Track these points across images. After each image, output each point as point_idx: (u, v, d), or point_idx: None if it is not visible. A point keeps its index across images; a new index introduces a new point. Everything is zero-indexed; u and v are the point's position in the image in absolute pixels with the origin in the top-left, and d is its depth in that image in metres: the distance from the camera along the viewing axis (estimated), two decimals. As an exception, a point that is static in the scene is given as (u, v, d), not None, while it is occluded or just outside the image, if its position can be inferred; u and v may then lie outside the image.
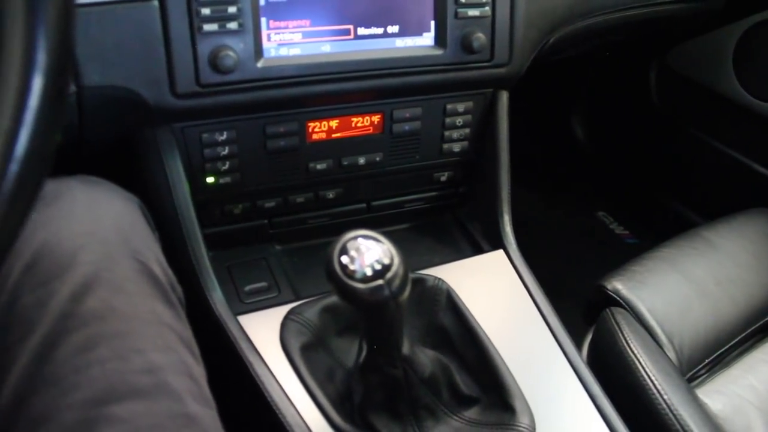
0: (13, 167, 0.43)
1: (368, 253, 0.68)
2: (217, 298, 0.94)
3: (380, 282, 0.67)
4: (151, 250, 0.74)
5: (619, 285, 1.13)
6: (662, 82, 1.77)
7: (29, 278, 0.63)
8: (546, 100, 2.05)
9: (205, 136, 0.96)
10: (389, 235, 1.13)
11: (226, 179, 1.00)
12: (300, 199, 1.08)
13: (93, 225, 0.70)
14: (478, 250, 1.15)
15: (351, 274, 0.67)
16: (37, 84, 0.44)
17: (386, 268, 0.68)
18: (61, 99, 0.46)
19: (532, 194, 1.92)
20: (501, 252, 1.10)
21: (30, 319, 0.61)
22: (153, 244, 0.76)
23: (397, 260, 0.68)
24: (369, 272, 0.67)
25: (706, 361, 1.12)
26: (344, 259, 0.68)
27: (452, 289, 1.00)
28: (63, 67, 0.46)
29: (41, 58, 0.44)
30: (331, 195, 1.09)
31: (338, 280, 0.67)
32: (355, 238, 0.70)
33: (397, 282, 0.68)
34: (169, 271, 0.76)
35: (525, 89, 1.18)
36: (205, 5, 0.86)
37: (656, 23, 1.43)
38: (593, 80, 2.00)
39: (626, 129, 1.97)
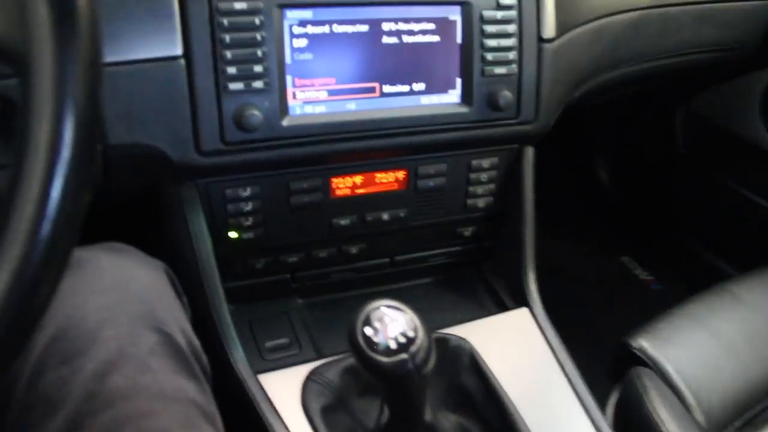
0: (45, 229, 0.42)
1: (392, 324, 0.67)
2: (239, 357, 0.93)
3: (404, 356, 0.66)
4: (176, 320, 0.73)
5: (645, 343, 1.11)
6: (688, 127, 1.75)
7: (53, 354, 0.62)
8: (569, 143, 2.04)
9: (228, 191, 0.96)
10: (412, 290, 1.16)
11: (249, 234, 0.99)
12: (323, 254, 1.07)
13: (118, 296, 0.70)
14: (501, 307, 1.13)
15: (374, 347, 0.66)
16: (68, 142, 0.43)
17: (411, 341, 0.67)
18: (92, 158, 0.46)
19: (555, 238, 1.90)
20: (525, 310, 1.09)
21: (53, 399, 0.60)
22: (178, 313, 0.76)
23: (421, 333, 0.68)
24: (393, 345, 0.66)
25: (736, 423, 1.09)
26: (368, 330, 0.67)
27: (475, 349, 0.99)
28: (93, 126, 0.45)
29: (71, 117, 0.43)
30: (354, 250, 1.08)
31: (361, 353, 0.67)
32: (379, 308, 0.69)
33: (421, 355, 0.67)
34: (194, 340, 0.75)
35: (547, 133, 1.17)
36: (231, 64, 0.86)
37: (683, 72, 1.42)
38: (617, 124, 1.99)
39: (651, 173, 1.95)
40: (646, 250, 1.94)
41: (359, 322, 0.68)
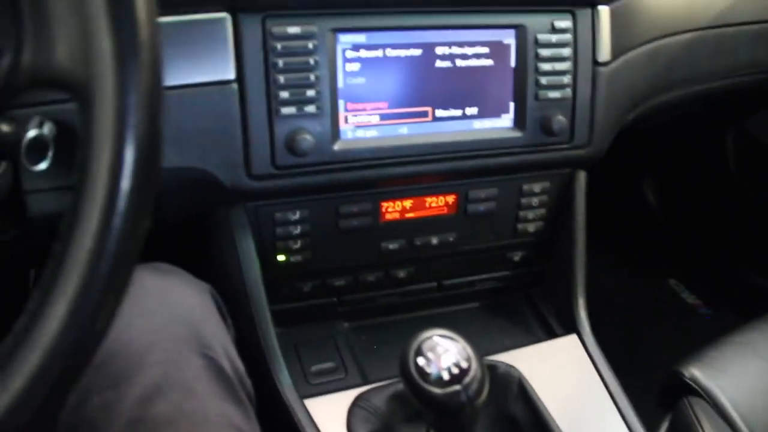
0: (105, 261, 0.42)
1: (445, 355, 0.66)
2: (285, 382, 0.93)
3: (457, 387, 0.65)
4: (221, 343, 0.73)
5: (697, 372, 1.07)
6: (740, 148, 1.71)
7: (98, 378, 0.62)
8: (616, 164, 2.00)
9: (278, 215, 0.95)
10: (459, 315, 1.14)
11: (297, 258, 0.99)
12: (370, 278, 1.06)
13: (164, 320, 0.70)
14: (550, 333, 1.11)
15: (427, 378, 0.65)
16: (128, 175, 0.43)
17: (464, 372, 0.66)
18: (151, 189, 0.45)
19: (601, 260, 1.87)
20: (574, 336, 1.06)
21: (98, 423, 0.60)
22: (223, 336, 0.75)
23: (475, 363, 0.66)
24: (446, 376, 0.65)
25: (792, 457, 1.05)
26: (420, 360, 0.66)
27: (524, 377, 0.97)
28: (153, 157, 0.45)
29: (131, 150, 0.43)
30: (402, 274, 1.07)
31: (414, 383, 0.66)
32: (431, 337, 0.68)
33: (474, 386, 0.65)
34: (239, 364, 0.75)
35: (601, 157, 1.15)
36: (283, 88, 0.86)
37: (738, 93, 1.39)
38: (666, 144, 1.95)
39: (700, 195, 1.91)
40: (694, 273, 1.90)
41: (411, 351, 0.66)
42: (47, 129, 0.72)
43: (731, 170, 1.73)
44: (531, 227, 1.09)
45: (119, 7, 0.43)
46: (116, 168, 0.43)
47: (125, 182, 0.43)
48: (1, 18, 0.45)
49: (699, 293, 1.86)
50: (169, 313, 0.72)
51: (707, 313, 1.80)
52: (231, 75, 0.84)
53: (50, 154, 0.72)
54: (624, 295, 1.82)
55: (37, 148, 0.71)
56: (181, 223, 1.01)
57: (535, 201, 1.07)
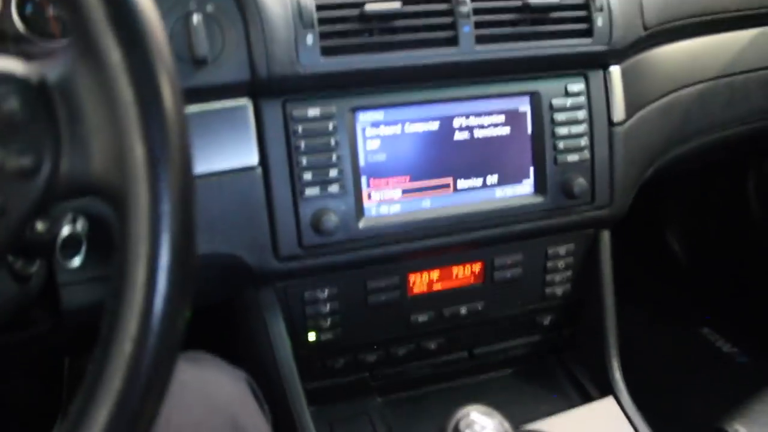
0: (149, 351, 0.43)
1: (482, 432, 0.65)
2: None
3: None
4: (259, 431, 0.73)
5: (741, 428, 1.05)
6: (762, 190, 1.70)
7: None
8: (638, 214, 2.00)
9: (307, 294, 0.95)
10: (492, 383, 1.13)
11: (328, 335, 0.99)
12: (402, 351, 1.05)
13: (202, 414, 0.70)
14: (586, 397, 1.09)
15: None
16: (163, 279, 0.44)
17: None
18: (188, 288, 0.46)
19: (632, 313, 1.85)
20: (611, 399, 1.05)
21: None
22: (262, 424, 0.75)
23: None
24: (485, 454, 0.64)
25: None
26: None
27: (564, 444, 0.95)
28: (188, 256, 0.46)
29: (166, 255, 0.44)
30: (433, 345, 1.06)
31: None
32: (468, 414, 0.67)
33: None
34: None
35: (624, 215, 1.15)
36: (306, 170, 0.87)
37: (755, 139, 1.39)
38: (687, 193, 1.94)
39: (725, 240, 1.89)
40: (727, 320, 1.86)
41: (449, 429, 0.66)
42: (80, 225, 0.73)
43: (754, 214, 1.72)
44: (559, 290, 1.09)
45: (151, 115, 0.45)
46: (152, 273, 0.44)
47: (161, 286, 0.44)
48: (39, 128, 0.46)
49: (734, 341, 1.83)
50: (208, 406, 0.72)
51: (745, 362, 1.76)
52: (255, 160, 0.86)
53: (83, 249, 0.73)
54: (658, 348, 1.78)
55: (71, 245, 0.72)
56: (213, 307, 1.02)
57: (561, 264, 1.07)
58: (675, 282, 1.99)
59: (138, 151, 0.45)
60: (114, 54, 0.44)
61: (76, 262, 0.73)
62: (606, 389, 1.07)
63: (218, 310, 1.05)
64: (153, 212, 0.44)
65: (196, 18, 0.79)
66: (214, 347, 0.88)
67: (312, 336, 0.98)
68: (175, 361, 0.46)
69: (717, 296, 1.92)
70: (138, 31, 0.44)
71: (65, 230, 0.71)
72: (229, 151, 0.85)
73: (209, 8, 0.80)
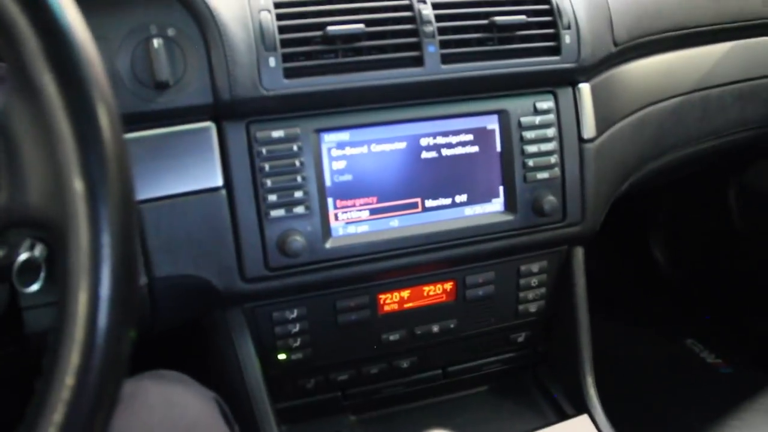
0: (92, 377, 0.43)
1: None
2: None
3: None
4: None
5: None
6: (743, 200, 1.70)
7: None
8: (621, 224, 2.00)
9: (275, 314, 0.95)
10: (467, 401, 1.13)
11: (298, 355, 0.98)
12: (374, 370, 1.05)
13: None
14: (561, 414, 1.09)
15: None
16: (104, 309, 0.44)
17: None
18: (131, 314, 0.46)
19: (613, 324, 1.84)
20: (586, 417, 1.04)
21: None
22: None
23: None
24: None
25: None
26: None
27: (537, 464, 0.95)
28: (129, 286, 0.46)
29: (107, 286, 0.44)
30: (405, 364, 1.06)
31: None
32: None
33: None
34: None
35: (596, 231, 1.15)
36: (271, 192, 0.87)
37: (730, 151, 1.39)
38: (668, 202, 1.94)
39: (708, 250, 1.89)
40: (711, 331, 1.86)
41: None
42: (38, 251, 0.73)
43: (735, 223, 1.71)
44: (532, 307, 1.08)
45: (89, 149, 0.44)
46: (93, 304, 0.44)
47: (102, 317, 0.44)
48: None
49: (718, 352, 1.82)
50: (173, 428, 0.71)
51: (729, 372, 1.75)
52: (219, 182, 0.86)
53: (42, 275, 0.73)
54: (641, 360, 1.78)
55: (29, 270, 0.72)
56: (181, 326, 1.01)
57: (534, 281, 1.06)
58: (659, 293, 1.99)
59: (76, 184, 0.44)
60: (50, 87, 0.44)
61: (34, 287, 0.72)
62: (581, 407, 1.06)
63: (189, 329, 1.04)
64: (92, 245, 0.44)
65: (156, 42, 0.79)
66: (185, 365, 0.88)
67: (282, 356, 0.98)
68: (119, 389, 0.46)
69: (701, 307, 1.92)
70: (74, 63, 0.44)
71: (23, 256, 0.71)
72: (193, 173, 0.85)
73: (170, 32, 0.80)
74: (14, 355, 0.94)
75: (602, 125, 1.04)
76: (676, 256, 1.96)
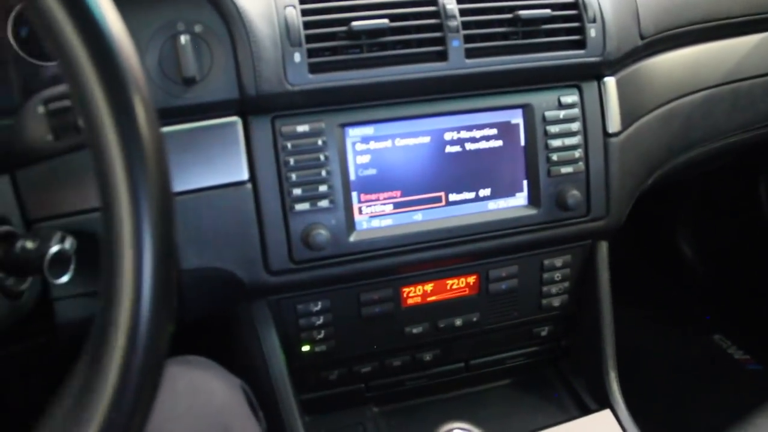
0: (137, 360, 0.45)
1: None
2: None
3: None
4: None
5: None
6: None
7: None
8: (648, 218, 1.98)
9: (300, 307, 0.96)
10: (489, 394, 1.13)
11: (322, 347, 0.99)
12: (397, 363, 1.06)
13: (194, 422, 0.71)
14: (583, 408, 1.09)
15: None
16: (148, 281, 0.46)
17: None
18: (171, 292, 0.48)
19: (639, 318, 1.83)
20: (608, 412, 1.04)
21: None
22: None
23: None
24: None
25: None
26: None
27: (558, 458, 0.95)
28: (169, 267, 0.47)
29: (149, 267, 0.46)
30: (428, 357, 1.07)
31: None
32: (451, 430, 0.68)
33: None
34: None
35: (621, 226, 1.14)
36: (296, 186, 0.88)
37: (761, 145, 1.37)
38: (697, 196, 1.92)
39: (737, 245, 1.87)
40: (740, 326, 1.84)
41: None
42: (69, 244, 0.74)
43: (766, 217, 1.69)
44: (555, 301, 1.08)
45: (129, 141, 0.46)
46: (138, 287, 0.46)
47: (145, 303, 0.46)
48: None
49: (747, 348, 1.80)
50: (200, 415, 0.73)
51: (757, 369, 1.74)
52: (245, 176, 0.87)
53: (72, 267, 0.75)
54: (668, 355, 1.77)
55: (60, 262, 0.73)
56: (208, 317, 1.03)
57: (557, 275, 1.06)
58: (686, 287, 1.97)
59: (119, 176, 0.46)
60: (95, 88, 0.46)
61: (64, 279, 0.74)
62: (603, 401, 1.06)
63: (215, 319, 1.06)
64: (135, 231, 0.46)
65: (183, 39, 0.80)
66: (212, 352, 0.90)
67: (306, 348, 0.99)
68: (161, 375, 0.47)
69: (729, 302, 1.90)
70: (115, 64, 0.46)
71: (54, 248, 0.73)
72: (219, 167, 0.86)
73: (197, 29, 0.81)
74: (44, 346, 0.96)
75: (628, 119, 1.04)
76: (704, 251, 1.94)
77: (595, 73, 0.99)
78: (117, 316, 0.45)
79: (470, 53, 0.90)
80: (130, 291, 0.45)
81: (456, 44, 0.89)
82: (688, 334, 1.85)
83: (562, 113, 0.97)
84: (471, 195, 0.96)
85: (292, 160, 0.87)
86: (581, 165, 0.99)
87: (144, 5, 0.81)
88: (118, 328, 0.45)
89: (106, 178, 0.46)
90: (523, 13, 0.91)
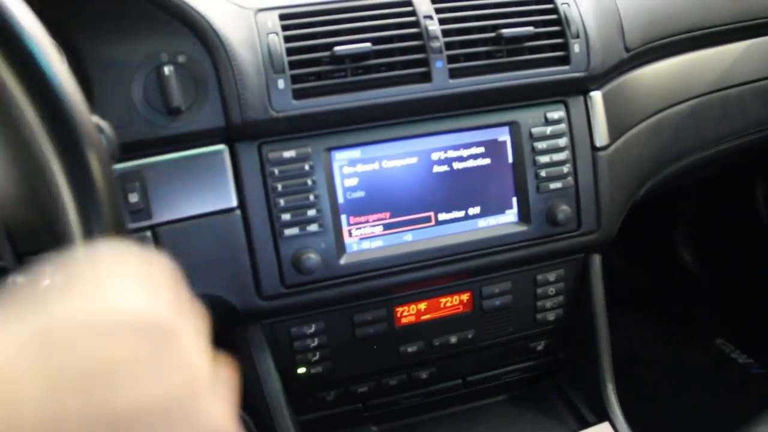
0: None
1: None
2: None
3: None
4: None
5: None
6: (770, 198, 1.68)
7: None
8: (647, 226, 1.98)
9: (294, 329, 0.97)
10: (487, 410, 1.13)
11: (318, 369, 1.00)
12: (393, 382, 1.06)
13: None
14: (582, 422, 1.09)
15: None
16: None
17: None
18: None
19: (640, 325, 1.83)
20: (607, 425, 1.04)
21: None
22: None
23: None
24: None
25: None
26: None
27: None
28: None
29: None
30: (424, 375, 1.07)
31: None
32: None
33: None
34: None
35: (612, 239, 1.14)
36: (285, 211, 0.88)
37: (753, 151, 1.37)
38: (694, 202, 1.92)
39: (736, 248, 1.87)
40: (742, 330, 1.83)
41: None
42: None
43: (764, 220, 1.69)
44: (551, 315, 1.08)
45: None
46: None
47: None
48: None
49: (750, 352, 1.79)
50: None
51: (761, 372, 1.73)
52: (233, 203, 0.87)
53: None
54: (669, 361, 1.76)
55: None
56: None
57: (551, 290, 1.06)
58: (687, 292, 1.97)
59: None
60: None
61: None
62: (602, 414, 1.06)
63: (212, 346, 1.06)
64: None
65: (167, 69, 0.81)
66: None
67: (301, 370, 0.99)
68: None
69: (730, 305, 1.89)
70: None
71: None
72: (207, 195, 0.87)
73: (181, 59, 0.82)
74: None
75: (616, 132, 1.04)
76: (704, 255, 1.93)
77: (580, 88, 0.99)
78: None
79: (454, 73, 0.91)
80: None
81: (440, 65, 0.90)
82: (690, 339, 1.84)
83: (548, 129, 0.97)
84: (461, 214, 0.96)
85: (279, 186, 0.88)
86: (570, 180, 0.99)
87: (127, 38, 0.82)
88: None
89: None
90: (506, 31, 0.92)
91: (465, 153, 0.95)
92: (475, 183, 0.96)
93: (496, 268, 1.00)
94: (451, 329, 1.04)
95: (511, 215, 0.98)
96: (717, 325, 1.87)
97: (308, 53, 0.86)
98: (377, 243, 0.93)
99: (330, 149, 0.90)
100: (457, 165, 0.95)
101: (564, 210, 0.97)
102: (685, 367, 1.76)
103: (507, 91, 0.94)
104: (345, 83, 0.88)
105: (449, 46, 0.91)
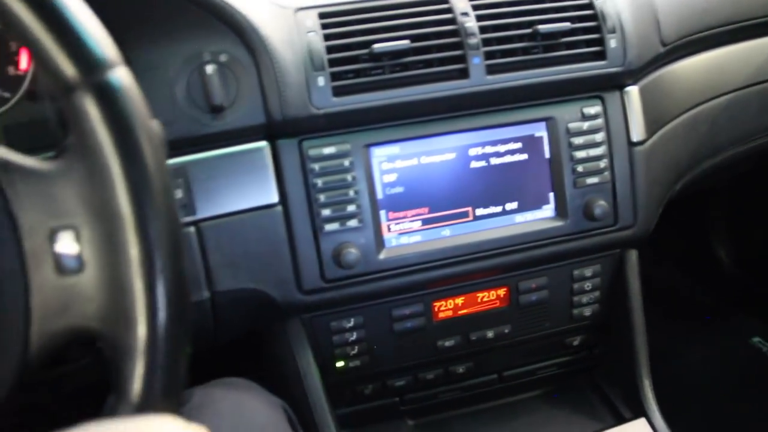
0: (157, 384, 0.48)
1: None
2: None
3: None
4: None
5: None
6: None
7: None
8: (682, 223, 1.97)
9: (333, 324, 0.98)
10: (523, 405, 1.13)
11: (356, 362, 1.01)
12: (430, 376, 1.07)
13: None
14: (618, 418, 1.09)
15: None
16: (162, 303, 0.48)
17: None
18: (186, 313, 0.50)
19: (676, 324, 1.81)
20: (643, 421, 1.04)
21: None
22: None
23: None
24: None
25: None
26: None
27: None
28: (182, 279, 0.49)
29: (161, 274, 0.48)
30: (461, 369, 1.08)
31: None
32: None
33: None
34: None
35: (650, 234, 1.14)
36: (325, 207, 0.89)
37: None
38: (730, 199, 1.90)
39: (772, 244, 1.85)
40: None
41: None
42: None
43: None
44: (587, 311, 1.08)
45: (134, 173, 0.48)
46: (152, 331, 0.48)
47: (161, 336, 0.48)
48: None
49: (787, 349, 1.77)
50: None
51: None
52: (275, 199, 0.89)
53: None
54: (705, 359, 1.75)
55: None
56: (243, 337, 1.05)
57: (587, 285, 1.06)
58: (722, 291, 1.95)
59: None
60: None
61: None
62: (638, 411, 1.06)
63: (251, 339, 1.08)
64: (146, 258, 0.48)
65: (210, 68, 0.82)
66: (249, 373, 0.92)
67: (340, 364, 1.01)
68: (185, 370, 0.50)
69: (766, 304, 1.87)
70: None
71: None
72: (249, 191, 0.88)
73: (223, 58, 0.84)
74: (89, 366, 0.99)
75: (653, 127, 1.04)
76: (739, 254, 1.91)
77: (617, 83, 1.00)
78: (134, 341, 0.47)
79: (491, 69, 0.92)
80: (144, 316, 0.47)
81: (477, 61, 0.91)
82: (726, 338, 1.83)
83: (585, 124, 0.98)
84: (498, 209, 0.97)
85: (320, 182, 0.89)
86: (607, 175, 0.99)
87: (171, 38, 0.83)
88: (136, 355, 0.47)
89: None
90: (542, 27, 0.92)
91: (502, 149, 0.95)
92: (512, 178, 0.96)
93: (532, 263, 1.01)
94: (488, 324, 1.04)
95: (548, 210, 0.98)
96: (753, 323, 1.85)
97: (347, 51, 0.87)
98: (416, 238, 0.94)
99: (369, 145, 0.91)
100: (494, 160, 0.95)
101: (601, 205, 0.97)
102: (720, 366, 1.74)
103: (543, 86, 0.94)
104: (383, 80, 0.89)
105: (486, 42, 0.91)
